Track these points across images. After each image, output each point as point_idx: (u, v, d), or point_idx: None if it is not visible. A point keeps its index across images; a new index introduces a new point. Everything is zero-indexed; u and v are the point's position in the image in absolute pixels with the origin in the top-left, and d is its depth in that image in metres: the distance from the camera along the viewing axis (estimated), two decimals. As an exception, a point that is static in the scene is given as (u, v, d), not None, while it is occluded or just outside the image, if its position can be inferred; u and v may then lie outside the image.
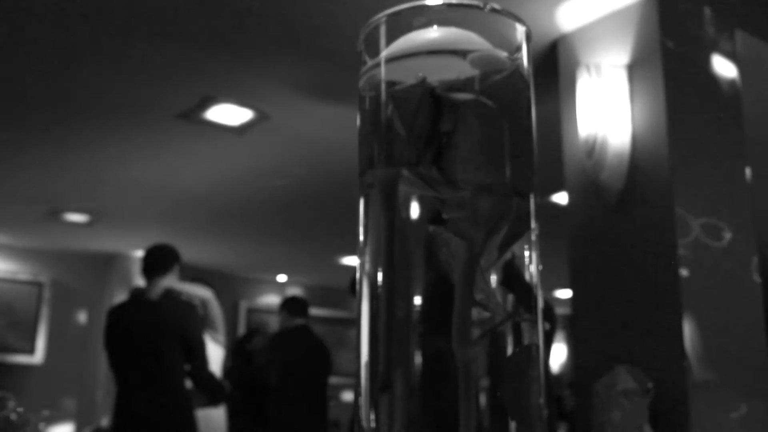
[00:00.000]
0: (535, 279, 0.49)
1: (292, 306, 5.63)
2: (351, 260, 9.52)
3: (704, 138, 3.19)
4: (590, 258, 3.38)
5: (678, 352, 2.88)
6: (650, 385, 2.85)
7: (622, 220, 3.20)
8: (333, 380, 10.17)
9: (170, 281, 4.26)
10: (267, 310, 10.10)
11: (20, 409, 7.17)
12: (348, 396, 10.23)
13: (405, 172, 0.49)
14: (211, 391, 4.16)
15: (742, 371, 3.02)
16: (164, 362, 4.00)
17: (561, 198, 3.69)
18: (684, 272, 2.95)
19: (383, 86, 0.52)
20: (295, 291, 10.79)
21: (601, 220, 3.31)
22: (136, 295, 4.45)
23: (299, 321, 5.48)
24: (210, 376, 4.11)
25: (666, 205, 3.02)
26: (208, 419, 4.35)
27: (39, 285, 8.99)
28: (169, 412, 3.95)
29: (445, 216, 0.48)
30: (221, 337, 4.55)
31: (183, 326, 4.04)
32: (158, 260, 4.31)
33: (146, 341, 4.04)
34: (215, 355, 4.40)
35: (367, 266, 0.48)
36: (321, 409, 5.32)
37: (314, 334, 5.55)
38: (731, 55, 3.38)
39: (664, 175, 3.04)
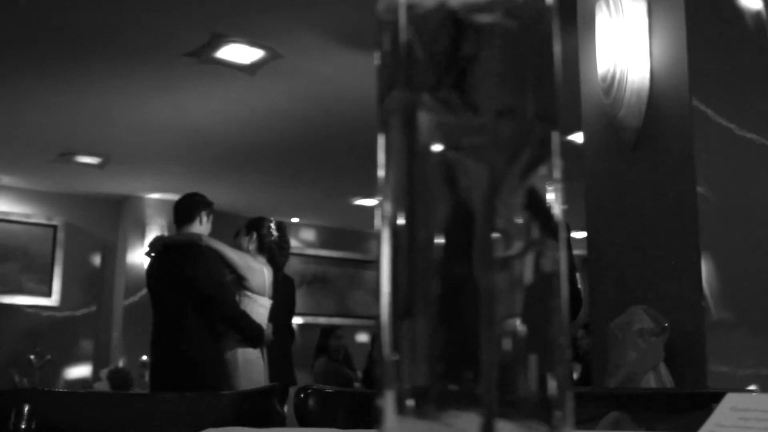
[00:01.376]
0: (558, 207, 0.47)
1: None
2: (364, 202, 9.52)
3: (727, 74, 3.12)
4: (607, 198, 3.35)
5: (695, 292, 2.86)
6: (666, 324, 2.85)
7: (640, 159, 3.16)
8: (347, 321, 10.34)
9: (198, 229, 4.32)
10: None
11: (38, 350, 7.29)
12: (362, 337, 10.34)
13: (425, 96, 0.46)
14: (242, 332, 4.23)
15: (760, 310, 3.00)
16: (174, 311, 4.21)
17: (578, 137, 3.64)
18: (703, 211, 2.91)
19: (403, 9, 0.49)
20: (307, 232, 10.84)
21: (618, 160, 3.27)
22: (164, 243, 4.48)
23: None
24: (238, 317, 4.20)
25: (685, 144, 2.97)
26: (248, 361, 4.29)
27: (53, 228, 9.04)
28: (183, 359, 4.14)
29: (465, 142, 0.46)
30: (261, 292, 4.40)
31: (193, 275, 4.14)
32: (182, 210, 4.40)
33: (159, 290, 4.32)
34: (256, 305, 4.34)
35: (387, 194, 0.46)
36: (284, 344, 5.28)
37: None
38: (757, -13, 3.28)
39: (684, 112, 2.98)
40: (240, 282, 4.35)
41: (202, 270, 4.15)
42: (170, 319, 4.25)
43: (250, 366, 4.28)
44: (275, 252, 4.55)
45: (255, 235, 4.54)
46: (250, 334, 4.26)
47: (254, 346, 4.29)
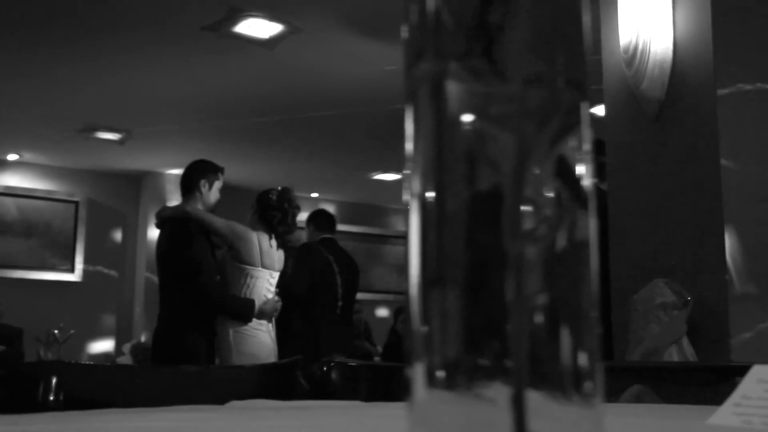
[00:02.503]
0: (588, 177, 0.47)
1: (318, 220, 5.55)
2: (383, 176, 9.51)
3: (752, 45, 3.08)
4: (629, 170, 3.32)
5: (719, 265, 2.84)
6: (689, 297, 2.83)
7: (663, 131, 3.13)
8: (367, 296, 10.36)
9: (198, 199, 4.26)
10: (299, 227, 10.16)
11: (62, 324, 7.34)
12: (382, 312, 10.36)
13: (453, 66, 0.46)
14: (220, 307, 4.16)
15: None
16: (162, 282, 4.33)
17: (599, 110, 3.61)
18: (727, 183, 2.89)
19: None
20: (326, 207, 10.86)
21: (640, 132, 3.24)
22: (160, 217, 4.51)
23: (326, 235, 5.41)
24: (214, 293, 4.12)
25: (709, 116, 2.93)
26: (240, 336, 4.21)
27: (75, 204, 9.09)
28: (165, 328, 4.24)
29: (494, 111, 0.45)
30: (253, 262, 4.25)
31: (173, 248, 4.17)
32: (182, 180, 4.36)
33: (157, 266, 4.41)
34: (246, 277, 4.27)
35: (416, 165, 0.46)
36: (346, 321, 5.26)
37: (341, 247, 5.47)
38: (782, -45, 3.23)
39: (708, 84, 2.95)
40: (230, 253, 4.22)
41: (174, 245, 4.16)
42: (162, 294, 4.31)
43: (243, 341, 4.16)
44: (273, 218, 4.34)
45: (256, 206, 4.41)
46: (231, 309, 4.16)
47: (243, 321, 4.16)
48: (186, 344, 4.09)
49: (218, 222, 4.21)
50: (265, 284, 4.30)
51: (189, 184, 4.28)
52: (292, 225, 4.49)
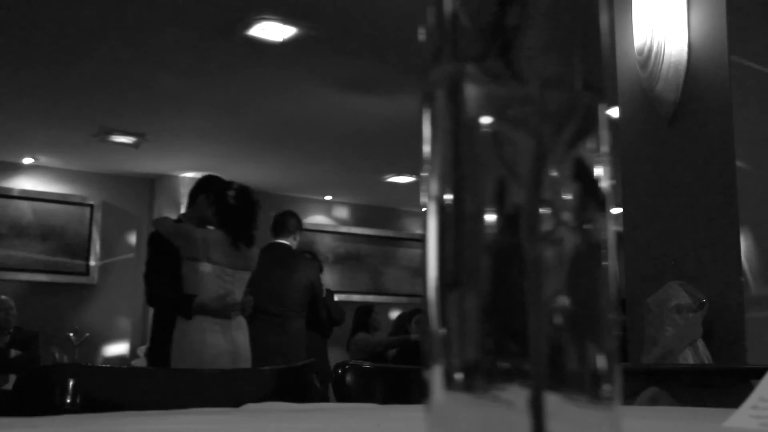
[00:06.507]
0: (606, 179, 0.47)
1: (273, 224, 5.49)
2: (397, 179, 9.51)
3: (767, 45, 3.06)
4: (643, 172, 3.31)
5: (734, 268, 2.83)
6: (704, 300, 2.82)
7: (678, 133, 3.12)
8: (380, 298, 10.35)
9: (194, 212, 4.32)
10: (314, 229, 10.19)
11: (77, 328, 7.36)
12: (396, 314, 10.35)
13: (471, 67, 0.46)
14: (161, 306, 4.31)
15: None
16: None
17: (613, 112, 3.60)
18: (742, 185, 2.87)
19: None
20: (340, 209, 10.86)
21: (655, 134, 3.23)
22: None
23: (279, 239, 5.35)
24: (150, 292, 4.32)
25: (724, 117, 2.92)
26: (185, 336, 4.08)
27: (90, 207, 9.13)
28: (152, 340, 4.54)
29: (512, 113, 0.45)
30: (196, 256, 4.12)
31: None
32: (189, 193, 4.48)
33: None
34: (191, 271, 4.15)
35: (434, 167, 0.46)
36: (288, 323, 5.13)
37: (288, 250, 5.35)
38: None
39: (723, 85, 2.94)
40: (180, 252, 4.17)
41: (148, 252, 4.37)
42: None
43: (183, 339, 4.09)
44: (233, 222, 4.25)
45: (207, 199, 4.30)
46: (169, 305, 4.18)
47: (185, 317, 4.08)
48: (152, 349, 4.37)
49: (170, 227, 4.28)
50: (216, 281, 4.17)
51: (191, 196, 4.39)
52: (255, 225, 4.39)
